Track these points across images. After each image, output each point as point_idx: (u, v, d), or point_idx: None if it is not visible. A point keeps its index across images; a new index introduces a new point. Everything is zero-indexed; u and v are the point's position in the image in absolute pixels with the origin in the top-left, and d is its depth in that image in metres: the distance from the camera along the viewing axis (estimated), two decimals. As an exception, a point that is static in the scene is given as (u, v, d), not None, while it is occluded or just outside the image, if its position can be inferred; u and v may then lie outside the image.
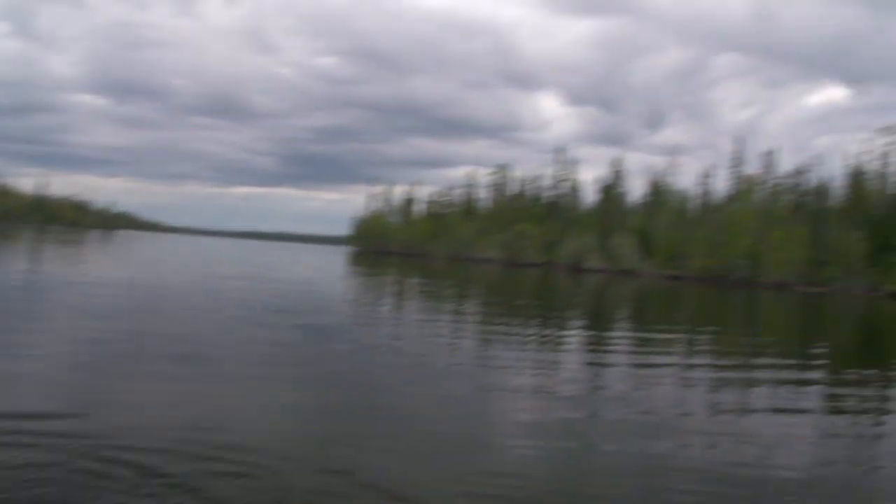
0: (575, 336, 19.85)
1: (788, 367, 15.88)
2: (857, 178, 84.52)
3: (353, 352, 13.47)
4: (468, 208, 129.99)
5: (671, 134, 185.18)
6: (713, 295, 54.12)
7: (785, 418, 10.01)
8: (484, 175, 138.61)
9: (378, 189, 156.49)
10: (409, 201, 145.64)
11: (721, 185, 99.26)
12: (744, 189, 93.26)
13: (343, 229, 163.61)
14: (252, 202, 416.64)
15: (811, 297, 60.59)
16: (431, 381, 10.92)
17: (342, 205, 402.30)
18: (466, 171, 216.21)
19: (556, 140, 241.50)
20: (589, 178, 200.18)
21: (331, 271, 50.74)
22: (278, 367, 11.21)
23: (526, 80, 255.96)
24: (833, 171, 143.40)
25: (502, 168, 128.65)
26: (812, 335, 27.86)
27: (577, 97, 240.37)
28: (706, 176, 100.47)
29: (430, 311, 24.80)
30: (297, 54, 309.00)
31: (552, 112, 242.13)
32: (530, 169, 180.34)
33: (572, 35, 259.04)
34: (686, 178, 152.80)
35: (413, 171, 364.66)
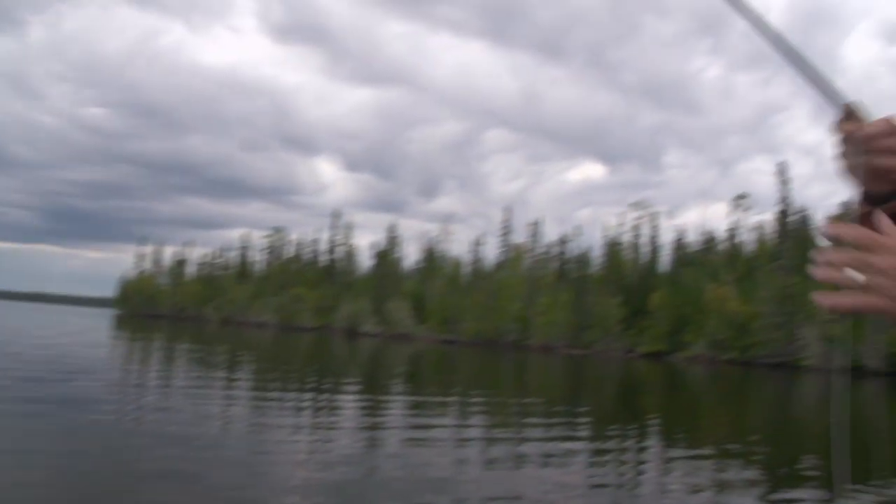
0: (350, 400, 19.66)
1: (557, 424, 16.50)
2: (613, 248, 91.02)
3: (112, 423, 12.51)
4: (243, 271, 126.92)
5: (445, 202, 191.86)
6: (485, 357, 55.71)
7: (555, 472, 10.34)
8: (260, 238, 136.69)
9: (148, 249, 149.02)
10: (180, 262, 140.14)
11: (491, 252, 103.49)
12: (512, 257, 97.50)
13: (109, 291, 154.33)
14: (5, 259, 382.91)
15: (575, 358, 63.87)
16: (200, 449, 10.34)
17: (108, 264, 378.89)
18: (242, 233, 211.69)
19: (334, 205, 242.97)
20: (365, 243, 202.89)
21: (91, 335, 47.45)
22: (22, 443, 10.15)
23: (305, 144, 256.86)
24: (593, 241, 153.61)
25: (278, 231, 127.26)
26: (577, 394, 29.27)
27: (354, 163, 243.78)
28: (478, 244, 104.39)
29: (199, 378, 23.69)
30: (62, 103, 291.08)
31: (330, 177, 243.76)
32: (307, 233, 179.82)
33: (351, 103, 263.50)
34: (459, 246, 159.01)
35: (186, 232, 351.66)
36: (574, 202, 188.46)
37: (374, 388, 24.97)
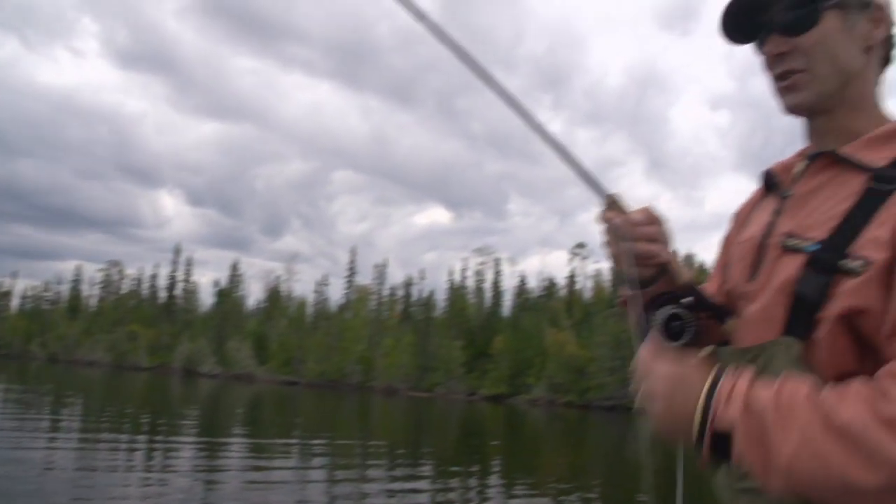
0: (187, 443, 18.91)
1: (400, 466, 16.45)
2: (457, 292, 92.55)
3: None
4: (74, 306, 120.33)
5: (290, 241, 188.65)
6: (328, 399, 54.99)
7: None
8: (94, 271, 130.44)
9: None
10: (3, 294, 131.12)
11: (336, 293, 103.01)
12: (357, 298, 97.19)
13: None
14: None
15: (418, 401, 63.98)
16: (17, 498, 9.64)
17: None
18: (74, 265, 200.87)
19: (175, 239, 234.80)
20: (207, 280, 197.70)
21: None
22: None
23: (146, 175, 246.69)
24: (437, 284, 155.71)
25: (115, 264, 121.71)
26: (420, 436, 29.30)
27: (198, 198, 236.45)
28: (323, 284, 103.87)
29: (18, 419, 22.13)
30: None
31: (172, 210, 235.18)
32: (145, 268, 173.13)
33: (196, 136, 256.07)
34: (304, 286, 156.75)
35: (11, 262, 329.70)
36: (420, 246, 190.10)
37: (212, 429, 24.12)
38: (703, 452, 1.13)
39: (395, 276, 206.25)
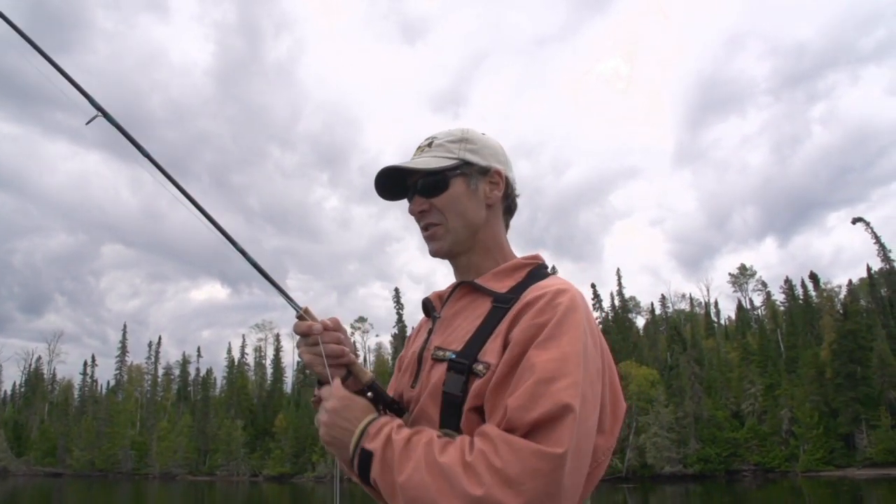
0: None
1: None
2: (237, 369, 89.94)
3: None
4: None
5: (54, 320, 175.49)
6: (98, 491, 51.50)
7: None
8: None
9: None
10: None
11: (107, 374, 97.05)
12: (129, 379, 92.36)
13: None
14: None
15: (198, 485, 61.19)
16: None
17: None
18: None
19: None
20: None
21: None
22: None
23: None
24: (216, 362, 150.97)
25: None
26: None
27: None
28: (91, 365, 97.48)
29: None
30: None
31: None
32: None
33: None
34: (69, 367, 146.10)
35: None
36: (196, 322, 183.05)
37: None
38: (354, 467, 1.53)
39: (171, 355, 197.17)
